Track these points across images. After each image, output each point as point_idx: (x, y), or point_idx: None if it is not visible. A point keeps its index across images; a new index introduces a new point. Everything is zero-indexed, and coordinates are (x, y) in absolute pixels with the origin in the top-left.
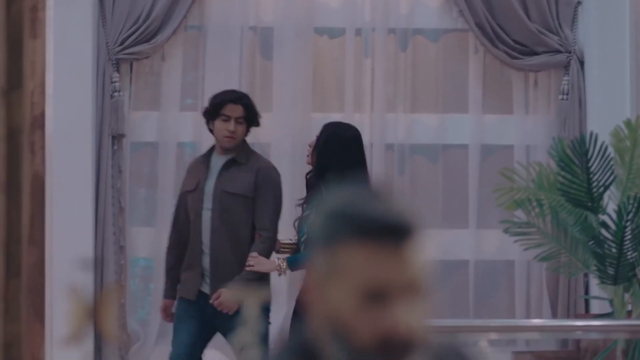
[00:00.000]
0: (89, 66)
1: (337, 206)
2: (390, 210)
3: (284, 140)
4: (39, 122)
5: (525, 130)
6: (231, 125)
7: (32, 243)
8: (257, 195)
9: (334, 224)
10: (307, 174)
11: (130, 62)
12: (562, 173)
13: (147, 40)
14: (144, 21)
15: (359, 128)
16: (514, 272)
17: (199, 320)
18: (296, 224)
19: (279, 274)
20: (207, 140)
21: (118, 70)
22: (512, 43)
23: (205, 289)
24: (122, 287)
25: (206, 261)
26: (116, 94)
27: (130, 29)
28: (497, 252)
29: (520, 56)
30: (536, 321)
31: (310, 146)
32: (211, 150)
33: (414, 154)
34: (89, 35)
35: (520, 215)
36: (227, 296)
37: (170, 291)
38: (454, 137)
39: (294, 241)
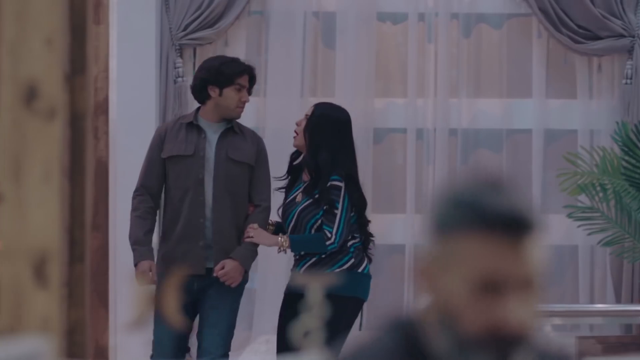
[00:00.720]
0: (153, 52)
1: (460, 195)
2: (513, 203)
3: None
4: (103, 108)
5: (588, 115)
6: (245, 96)
7: (95, 228)
8: (258, 166)
9: (457, 213)
10: (292, 155)
11: (194, 48)
12: (626, 157)
13: (211, 26)
14: (207, 6)
15: (422, 113)
16: (578, 257)
17: (191, 304)
18: (280, 210)
19: (279, 251)
20: (271, 124)
21: (181, 56)
22: (575, 27)
23: (210, 263)
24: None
25: (209, 232)
26: (179, 79)
27: (193, 14)
28: (561, 237)
29: (583, 41)
30: (600, 306)
31: (297, 125)
32: (193, 116)
33: (477, 139)
34: (152, 20)
35: (584, 200)
36: (231, 266)
37: (149, 254)
38: (517, 122)
39: (272, 223)
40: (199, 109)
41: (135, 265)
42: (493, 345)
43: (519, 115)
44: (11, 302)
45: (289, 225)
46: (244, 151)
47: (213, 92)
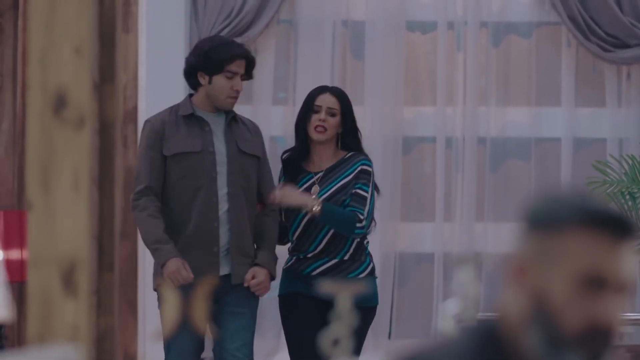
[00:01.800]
0: (181, 60)
1: (566, 194)
2: (614, 208)
3: (376, 134)
4: (132, 116)
5: (618, 123)
6: (238, 84)
7: (124, 236)
8: (264, 158)
9: (563, 210)
10: (282, 154)
11: None
12: None
13: (240, 34)
14: (236, 15)
15: (451, 122)
16: None
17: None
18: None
19: (306, 210)
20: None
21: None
22: (604, 36)
23: (224, 269)
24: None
25: (224, 235)
26: None
27: (222, 22)
28: None
29: (612, 49)
30: (630, 315)
31: (323, 120)
32: (190, 106)
33: (506, 148)
34: (181, 29)
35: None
36: (264, 275)
37: (174, 251)
38: (546, 130)
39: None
40: (191, 96)
41: (162, 265)
42: (588, 343)
43: (548, 123)
44: (40, 311)
45: (299, 222)
46: (252, 143)
47: (202, 79)
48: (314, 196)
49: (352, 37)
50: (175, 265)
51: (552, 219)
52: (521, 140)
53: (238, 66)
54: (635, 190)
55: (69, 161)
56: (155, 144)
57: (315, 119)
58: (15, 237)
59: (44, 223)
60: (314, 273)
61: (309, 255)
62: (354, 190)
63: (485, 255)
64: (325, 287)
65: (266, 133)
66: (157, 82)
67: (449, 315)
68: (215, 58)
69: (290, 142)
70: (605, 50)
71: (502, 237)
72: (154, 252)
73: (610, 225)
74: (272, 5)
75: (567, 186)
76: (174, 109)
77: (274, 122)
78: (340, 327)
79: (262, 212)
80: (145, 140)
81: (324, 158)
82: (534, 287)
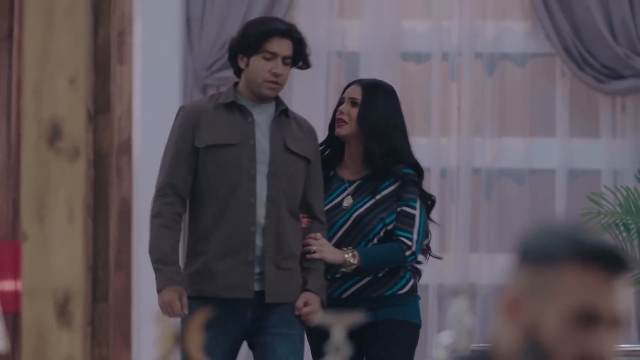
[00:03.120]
0: (177, 91)
1: (560, 228)
2: (610, 242)
3: None
4: (126, 147)
5: (612, 155)
6: (278, 67)
7: (119, 268)
8: (316, 164)
9: (557, 244)
10: (327, 143)
11: (218, 87)
12: None
13: None
14: None
15: (445, 152)
16: None
17: (239, 334)
18: (363, 216)
19: (344, 268)
20: None
21: (205, 94)
22: (599, 67)
23: (257, 286)
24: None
25: (259, 244)
26: None
27: (217, 53)
28: None
29: (607, 80)
30: (623, 346)
31: (343, 112)
32: (232, 94)
33: (500, 178)
34: (176, 59)
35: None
36: (317, 305)
37: (177, 277)
38: (541, 161)
39: None
40: (236, 84)
41: (160, 290)
42: None
43: (543, 154)
44: (35, 342)
45: (330, 238)
46: (302, 142)
47: (242, 62)
48: (346, 251)
49: (347, 67)
50: (171, 296)
51: (546, 252)
52: (516, 171)
53: (279, 46)
54: (630, 222)
55: (63, 192)
56: (186, 134)
57: (338, 113)
58: (10, 268)
59: (38, 254)
60: (345, 295)
61: (338, 275)
62: (399, 209)
63: (479, 286)
64: (320, 319)
65: None
66: (152, 113)
67: (443, 346)
68: (251, 34)
69: None
70: (599, 81)
71: (496, 268)
72: (155, 271)
73: (605, 260)
74: None
75: (561, 219)
76: (215, 97)
77: None
78: None
79: (310, 227)
80: (176, 130)
81: (358, 164)
82: (527, 321)
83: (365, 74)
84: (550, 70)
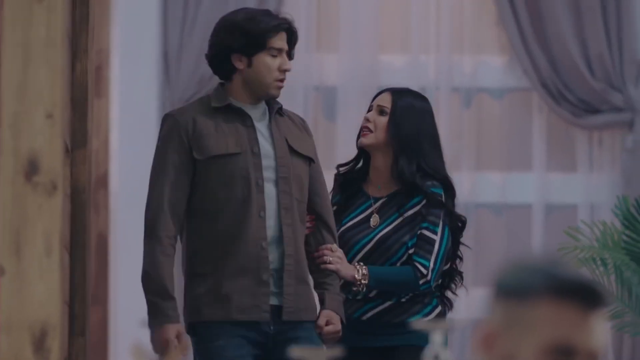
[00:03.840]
0: (154, 125)
1: (536, 263)
2: (587, 276)
3: None
4: (103, 181)
5: (589, 189)
6: (286, 62)
7: (96, 302)
8: (316, 161)
9: (533, 278)
10: (338, 167)
11: None
12: (627, 232)
13: None
14: (209, 80)
15: None
16: None
17: (260, 354)
18: (388, 236)
19: (357, 288)
20: None
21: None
22: (576, 101)
23: (274, 300)
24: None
25: (274, 259)
26: None
27: (194, 87)
28: None
29: (584, 114)
30: None
31: (369, 120)
32: (223, 96)
33: (477, 212)
34: (153, 94)
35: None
36: (339, 325)
37: (175, 313)
38: (517, 195)
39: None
40: (221, 85)
41: (154, 326)
42: None
43: (520, 188)
44: None
45: (352, 257)
46: (302, 141)
47: (239, 62)
48: (358, 269)
49: (325, 101)
50: (168, 334)
51: (522, 286)
52: (492, 205)
53: (282, 40)
54: (607, 257)
55: (40, 226)
56: (180, 145)
57: (363, 120)
58: None
59: (16, 288)
60: (365, 318)
61: (359, 297)
62: (419, 232)
63: (456, 320)
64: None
65: None
66: (129, 147)
67: None
68: (256, 31)
69: None
70: (576, 115)
71: (473, 302)
72: (149, 303)
73: (581, 294)
74: None
75: (538, 253)
76: (203, 101)
77: None
78: None
79: (317, 229)
80: (168, 141)
81: (384, 178)
82: (504, 355)
83: (342, 109)
84: (527, 105)
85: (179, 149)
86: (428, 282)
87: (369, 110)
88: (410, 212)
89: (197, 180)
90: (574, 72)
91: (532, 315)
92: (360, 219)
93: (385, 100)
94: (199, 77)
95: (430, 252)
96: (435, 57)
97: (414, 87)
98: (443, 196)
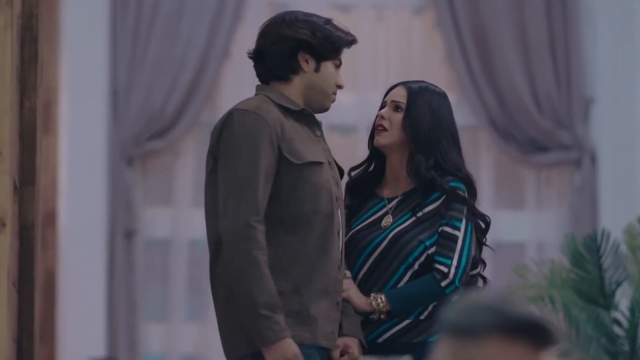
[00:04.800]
0: (102, 162)
1: (486, 301)
2: (536, 314)
3: None
4: (51, 218)
5: (537, 227)
6: (342, 79)
7: (43, 339)
8: None
9: (481, 316)
10: (350, 170)
11: (143, 158)
12: (575, 270)
13: (160, 136)
14: (157, 117)
15: None
16: None
17: None
18: (400, 237)
19: (375, 316)
20: None
21: (131, 166)
22: (524, 140)
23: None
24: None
25: (340, 282)
26: (129, 189)
27: (143, 124)
28: None
29: (532, 152)
30: None
31: (383, 117)
32: (288, 98)
33: None
34: (102, 131)
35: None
36: (357, 350)
37: (287, 327)
38: None
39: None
40: (267, 86)
41: (273, 343)
42: None
43: None
44: None
45: (364, 260)
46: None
47: (306, 63)
48: (372, 298)
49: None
50: (293, 349)
51: (471, 325)
52: None
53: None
54: (555, 295)
55: None
56: (271, 148)
57: (378, 118)
58: None
59: None
60: (380, 340)
61: (372, 317)
62: (440, 229)
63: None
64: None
65: (186, 236)
66: (77, 184)
67: None
68: (334, 37)
69: None
70: (525, 153)
71: None
72: (261, 318)
73: (529, 332)
74: (193, 107)
75: (486, 292)
76: (267, 100)
77: (195, 224)
78: None
79: None
80: (258, 140)
81: (401, 178)
82: None
83: None
84: (476, 143)
85: (270, 151)
86: (452, 282)
87: (382, 107)
88: (426, 210)
89: (281, 187)
90: (523, 110)
91: (481, 353)
92: (371, 221)
93: (400, 95)
94: (148, 114)
95: (453, 250)
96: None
97: (362, 126)
98: (465, 192)
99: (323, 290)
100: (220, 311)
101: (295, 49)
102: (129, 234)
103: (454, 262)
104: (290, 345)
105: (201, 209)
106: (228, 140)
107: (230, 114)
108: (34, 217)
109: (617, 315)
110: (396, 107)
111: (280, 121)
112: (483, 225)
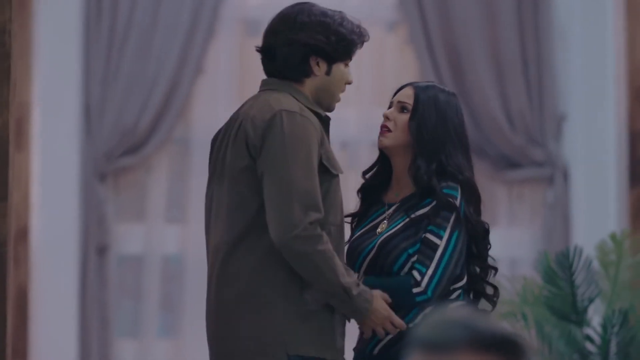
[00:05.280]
0: (75, 178)
1: (456, 315)
2: (508, 329)
3: None
4: (24, 235)
5: (509, 243)
6: (351, 75)
7: (16, 355)
8: None
9: (453, 332)
10: (364, 173)
11: (116, 174)
12: (547, 286)
13: (133, 152)
14: (130, 133)
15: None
16: None
17: None
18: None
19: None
20: (194, 251)
21: (103, 182)
22: (496, 156)
23: None
24: None
25: None
26: (102, 205)
27: (116, 140)
28: None
29: (504, 169)
30: None
31: (388, 118)
32: (311, 102)
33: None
34: (74, 147)
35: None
36: None
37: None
38: None
39: None
40: (287, 83)
41: (367, 311)
42: None
43: None
44: None
45: (359, 268)
46: None
47: (317, 67)
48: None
49: None
50: (384, 306)
51: (442, 340)
52: None
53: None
54: (527, 312)
55: None
56: (316, 150)
57: (384, 118)
58: None
59: None
60: (376, 351)
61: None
62: (424, 235)
63: None
64: None
65: (159, 252)
66: (50, 200)
67: None
68: (348, 40)
69: (185, 262)
70: (497, 170)
71: None
72: (356, 298)
73: (502, 348)
74: (167, 124)
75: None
76: (297, 102)
77: (167, 240)
78: None
79: None
80: (310, 141)
81: (403, 183)
82: None
83: None
84: None
85: (315, 153)
86: (424, 293)
87: (389, 107)
88: (418, 213)
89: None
90: (495, 127)
91: None
92: (369, 227)
93: (407, 96)
94: (121, 129)
95: (431, 259)
96: (356, 111)
97: (336, 142)
98: (458, 198)
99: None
100: (231, 311)
101: (308, 54)
102: (102, 250)
103: (429, 272)
104: (382, 304)
105: (174, 225)
106: (280, 141)
107: (276, 114)
108: (6, 233)
109: (589, 331)
110: (402, 108)
111: (320, 127)
112: (482, 232)
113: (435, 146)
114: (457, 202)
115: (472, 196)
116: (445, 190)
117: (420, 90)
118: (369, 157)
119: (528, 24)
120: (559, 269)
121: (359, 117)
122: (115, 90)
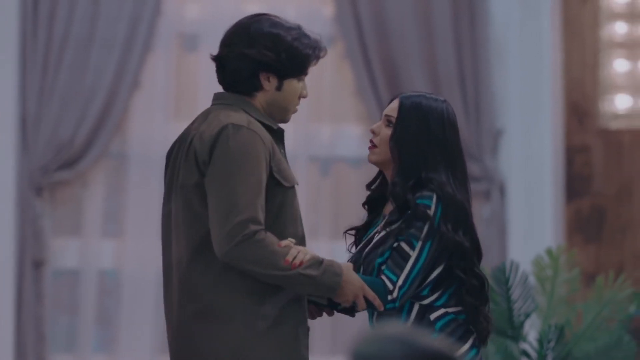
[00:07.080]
0: (11, 192)
1: (393, 332)
2: (443, 345)
3: None
4: None
5: None
6: (306, 89)
7: None
8: None
9: (390, 347)
10: (368, 185)
11: (52, 188)
12: None
13: (70, 166)
14: (67, 147)
15: None
16: None
17: None
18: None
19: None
20: (130, 266)
21: (39, 196)
22: None
23: None
24: None
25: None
26: (38, 220)
27: (52, 154)
28: None
29: None
30: None
31: (374, 133)
32: (263, 114)
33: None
34: (10, 160)
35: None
36: None
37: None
38: None
39: None
40: (239, 97)
41: (338, 285)
42: None
43: None
44: None
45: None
46: None
47: (267, 82)
48: None
49: None
50: (355, 277)
51: (379, 357)
52: None
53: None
54: None
55: None
56: (265, 164)
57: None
58: None
59: None
60: None
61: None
62: (396, 243)
63: None
64: None
65: (95, 266)
66: None
67: None
68: (302, 57)
69: (121, 277)
70: None
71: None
72: (325, 271)
73: None
74: (103, 138)
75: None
76: (246, 115)
77: (104, 255)
78: None
79: None
80: (257, 154)
81: None
82: None
83: None
84: None
85: (264, 168)
86: (394, 301)
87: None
88: (394, 226)
89: (268, 209)
90: None
91: None
92: (367, 240)
93: (392, 109)
94: (58, 143)
95: (402, 268)
96: (293, 125)
97: None
98: (432, 207)
99: (302, 319)
100: (191, 328)
101: (257, 69)
102: (38, 264)
103: (399, 282)
104: (354, 274)
105: (110, 240)
106: (224, 155)
107: (223, 128)
108: None
109: (525, 346)
110: (388, 122)
111: (270, 140)
112: (458, 250)
113: (414, 161)
114: (432, 212)
115: (452, 211)
116: (418, 201)
117: (404, 99)
118: (307, 171)
119: (465, 39)
120: (495, 284)
121: (296, 132)
122: (52, 104)
